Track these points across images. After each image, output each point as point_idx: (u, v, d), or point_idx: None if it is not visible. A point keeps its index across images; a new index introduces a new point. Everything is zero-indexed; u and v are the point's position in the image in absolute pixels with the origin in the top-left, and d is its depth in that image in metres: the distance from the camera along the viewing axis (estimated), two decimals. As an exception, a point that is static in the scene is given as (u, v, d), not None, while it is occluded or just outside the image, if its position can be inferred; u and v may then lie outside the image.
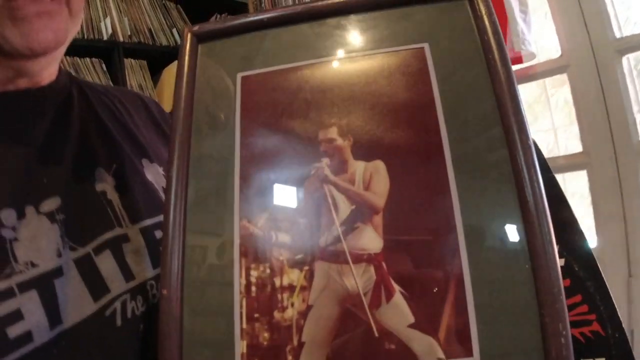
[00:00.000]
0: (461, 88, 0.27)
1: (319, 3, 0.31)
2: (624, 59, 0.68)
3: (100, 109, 0.36)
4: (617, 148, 0.63)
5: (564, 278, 0.27)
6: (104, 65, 1.17)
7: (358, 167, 0.26)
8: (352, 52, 0.29)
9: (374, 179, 0.26)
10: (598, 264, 0.27)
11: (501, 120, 0.25)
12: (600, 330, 0.26)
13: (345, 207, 0.26)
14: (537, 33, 0.79)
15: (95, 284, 0.27)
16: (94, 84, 0.40)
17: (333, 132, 0.27)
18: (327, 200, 0.26)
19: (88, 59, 1.14)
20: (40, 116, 0.31)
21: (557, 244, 0.27)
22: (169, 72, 1.27)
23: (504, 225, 0.24)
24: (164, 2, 1.37)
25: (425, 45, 0.28)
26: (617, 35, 0.70)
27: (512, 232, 0.24)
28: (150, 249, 0.32)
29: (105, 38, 1.16)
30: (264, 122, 0.29)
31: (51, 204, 0.28)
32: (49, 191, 0.28)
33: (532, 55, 0.74)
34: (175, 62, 0.32)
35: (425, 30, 0.29)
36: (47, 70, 0.32)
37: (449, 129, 0.26)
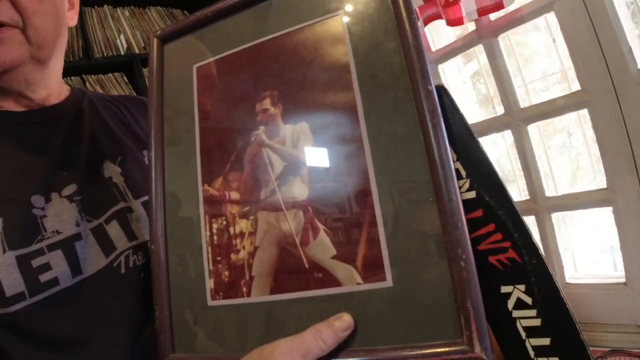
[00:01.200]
0: (372, 46, 0.29)
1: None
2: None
3: (106, 115, 0.44)
4: (615, 81, 0.59)
5: (475, 209, 0.29)
6: (125, 77, 1.30)
7: (288, 130, 0.31)
8: (281, 29, 0.33)
9: (301, 138, 0.30)
10: (509, 194, 0.28)
11: (407, 69, 0.28)
12: (516, 257, 0.27)
13: (279, 165, 0.31)
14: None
15: (106, 245, 0.36)
16: (102, 95, 0.48)
17: (267, 103, 0.32)
18: (265, 160, 0.31)
19: (111, 74, 1.27)
20: (56, 127, 0.39)
21: (467, 177, 0.30)
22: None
23: (410, 165, 0.27)
24: (170, 10, 1.46)
25: (341, 12, 0.31)
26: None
27: (417, 171, 0.26)
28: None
29: (122, 53, 1.28)
30: (216, 103, 0.35)
31: (70, 189, 0.36)
32: (67, 181, 0.36)
33: (511, -1, 0.70)
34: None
35: None
36: (42, 89, 0.39)
37: (361, 86, 0.29)
